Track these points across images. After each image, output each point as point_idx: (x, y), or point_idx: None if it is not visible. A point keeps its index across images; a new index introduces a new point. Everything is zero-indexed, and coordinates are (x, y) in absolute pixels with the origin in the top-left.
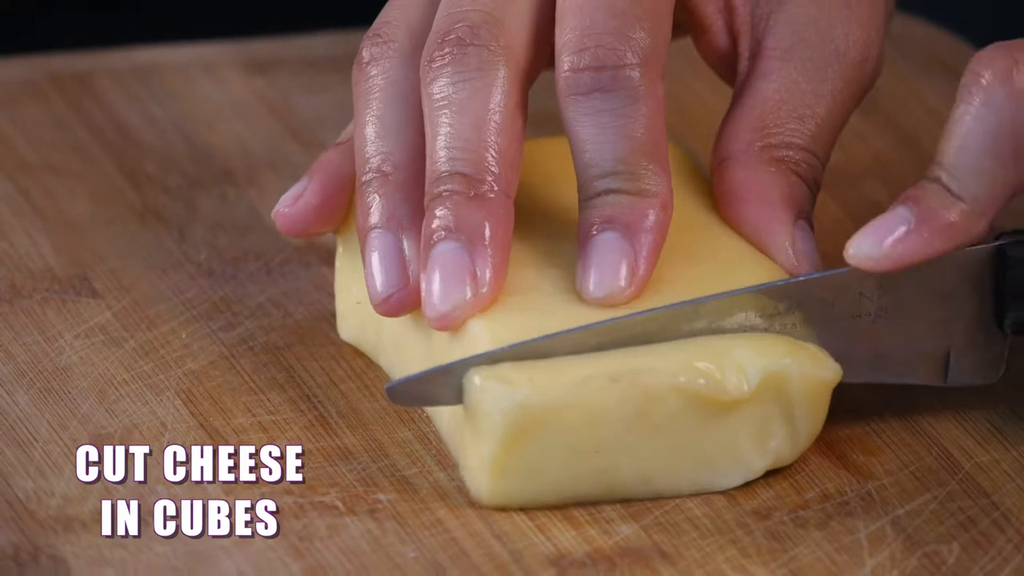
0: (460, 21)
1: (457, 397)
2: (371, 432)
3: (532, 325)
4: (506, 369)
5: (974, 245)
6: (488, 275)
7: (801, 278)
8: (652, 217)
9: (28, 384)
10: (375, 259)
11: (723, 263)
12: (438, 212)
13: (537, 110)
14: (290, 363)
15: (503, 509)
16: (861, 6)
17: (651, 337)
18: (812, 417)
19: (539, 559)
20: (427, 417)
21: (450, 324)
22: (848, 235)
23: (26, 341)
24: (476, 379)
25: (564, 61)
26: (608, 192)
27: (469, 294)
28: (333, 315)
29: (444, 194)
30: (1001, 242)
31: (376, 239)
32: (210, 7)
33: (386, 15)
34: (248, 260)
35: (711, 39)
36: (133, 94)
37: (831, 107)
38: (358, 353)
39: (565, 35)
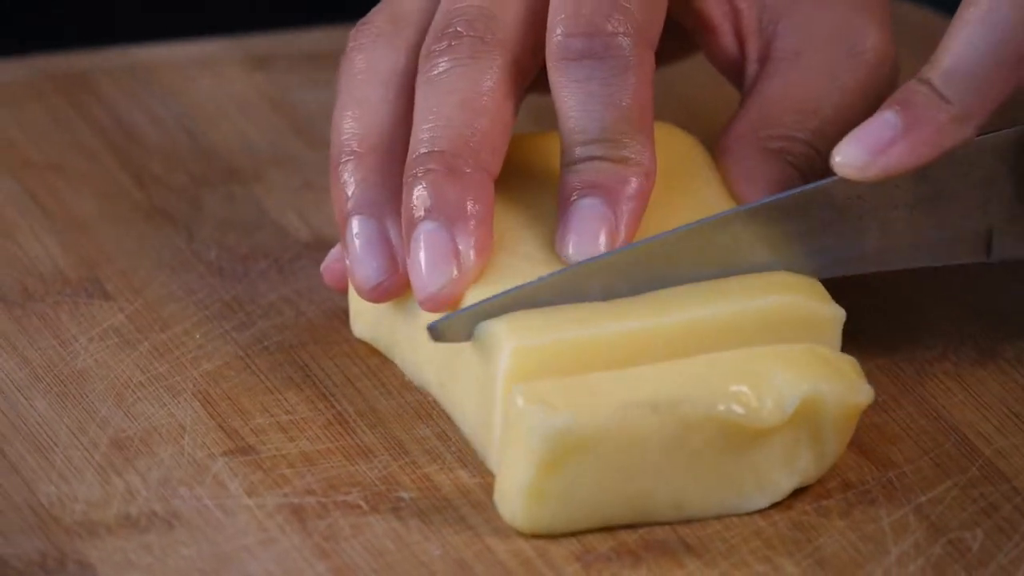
0: (458, 16)
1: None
2: (390, 430)
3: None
4: (548, 390)
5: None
6: (471, 252)
7: (826, 181)
8: (634, 184)
9: (45, 389)
10: (360, 246)
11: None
12: (416, 192)
13: (535, 105)
14: (305, 362)
15: (537, 536)
16: (877, 8)
17: (667, 269)
18: (840, 438)
19: (564, 554)
20: (446, 415)
21: (440, 304)
22: None
23: (41, 345)
24: (519, 400)
25: (557, 25)
26: (591, 159)
27: (455, 272)
28: (346, 312)
29: (421, 173)
30: None
31: (359, 225)
32: (208, 3)
33: (374, 9)
34: (258, 258)
35: (718, 42)
36: (134, 93)
37: (839, 105)
38: (372, 351)
39: (561, 1)
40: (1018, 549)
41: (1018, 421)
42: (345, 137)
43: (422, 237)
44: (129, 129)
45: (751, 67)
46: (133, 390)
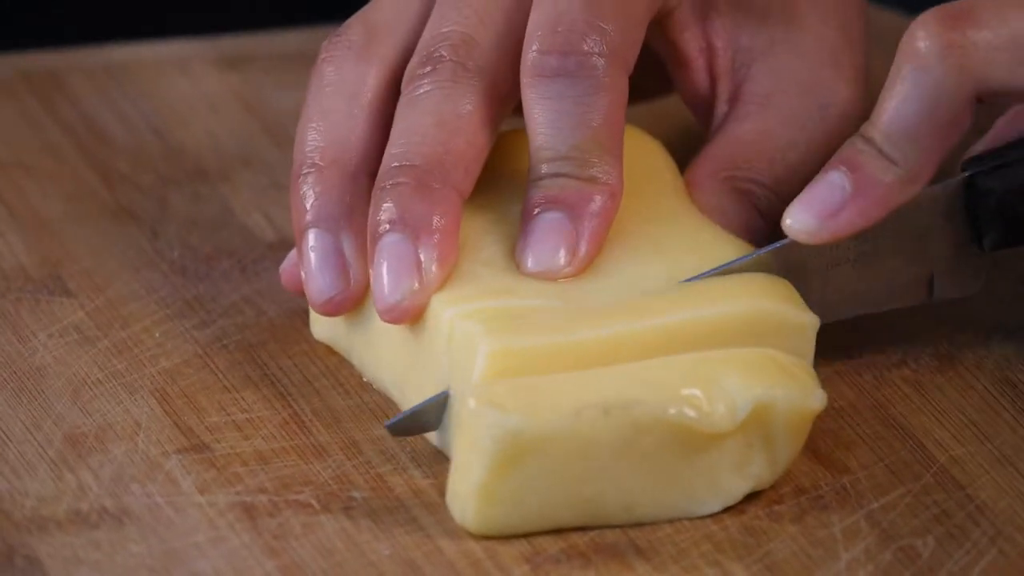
0: (442, 41)
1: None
2: (345, 430)
3: (491, 293)
4: (500, 392)
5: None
6: (434, 265)
7: (775, 246)
8: (598, 202)
9: (1, 384)
10: (315, 260)
11: (691, 250)
12: (384, 205)
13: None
14: (264, 361)
15: (484, 539)
16: (849, 65)
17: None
18: (793, 444)
19: (514, 555)
20: None
21: (400, 316)
22: None
23: None
24: (470, 402)
25: (533, 41)
26: (557, 175)
27: (416, 285)
28: (307, 313)
29: (390, 186)
30: (969, 173)
31: (314, 238)
32: (182, 4)
33: (348, 21)
34: (221, 258)
35: (690, 77)
36: (105, 92)
37: (804, 156)
38: (332, 351)
39: (538, 16)
40: (968, 557)
41: (975, 429)
42: (308, 149)
43: (386, 248)
44: (98, 129)
45: (720, 106)
46: (90, 387)
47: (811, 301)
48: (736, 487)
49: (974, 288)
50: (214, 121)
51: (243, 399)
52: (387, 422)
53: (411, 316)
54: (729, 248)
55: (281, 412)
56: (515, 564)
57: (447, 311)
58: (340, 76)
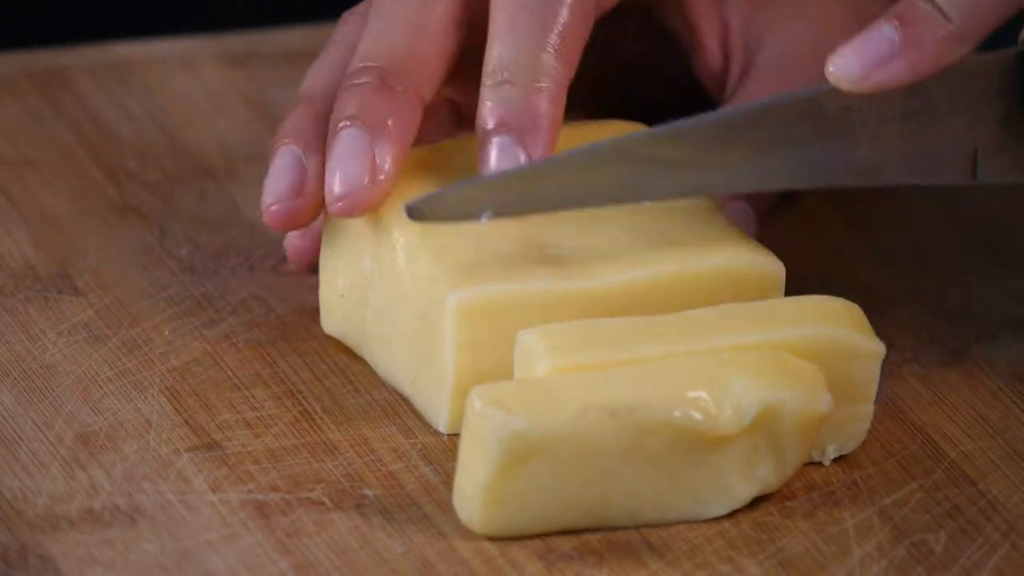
0: None
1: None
2: (356, 427)
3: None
4: (506, 395)
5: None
6: (388, 163)
7: (816, 91)
8: (544, 108)
9: (12, 383)
10: (274, 168)
11: (703, 243)
12: (346, 103)
13: None
14: (274, 359)
15: (493, 539)
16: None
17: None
18: (800, 446)
19: (527, 553)
20: (413, 412)
21: (348, 208)
22: (825, 210)
23: (9, 340)
24: (476, 403)
25: None
26: (504, 83)
27: (366, 179)
28: (315, 310)
29: (354, 85)
30: None
31: (280, 152)
32: (185, 1)
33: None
34: (229, 255)
35: (706, 59)
36: (110, 90)
37: None
38: (341, 348)
39: None
40: (981, 552)
41: (985, 424)
42: (303, 88)
43: (342, 141)
44: (104, 126)
45: (733, 79)
46: (100, 385)
47: (856, 158)
48: (743, 490)
49: (1019, 177)
50: (219, 118)
51: (253, 397)
52: (407, 203)
53: (359, 210)
54: (736, 241)
55: (291, 410)
56: (528, 562)
57: (451, 296)
58: (343, 33)
